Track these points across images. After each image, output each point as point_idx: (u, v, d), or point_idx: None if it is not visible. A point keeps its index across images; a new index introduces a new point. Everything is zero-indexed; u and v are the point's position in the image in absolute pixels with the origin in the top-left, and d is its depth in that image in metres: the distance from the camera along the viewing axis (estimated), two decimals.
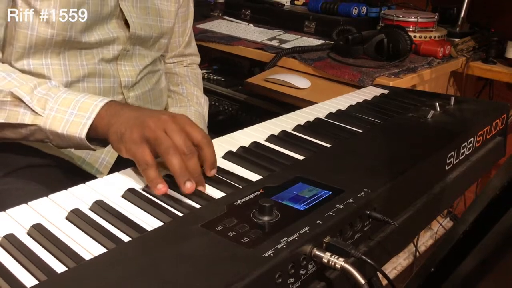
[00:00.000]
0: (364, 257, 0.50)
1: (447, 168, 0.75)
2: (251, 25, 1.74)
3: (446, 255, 0.39)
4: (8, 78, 0.71)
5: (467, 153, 0.80)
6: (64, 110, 0.67)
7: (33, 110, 0.68)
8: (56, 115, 0.67)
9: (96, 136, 0.67)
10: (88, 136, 0.66)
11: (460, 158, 0.78)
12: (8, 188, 0.77)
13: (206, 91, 1.18)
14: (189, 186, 0.58)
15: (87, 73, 0.84)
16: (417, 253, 1.67)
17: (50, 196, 0.57)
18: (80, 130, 0.66)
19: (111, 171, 0.84)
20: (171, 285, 0.42)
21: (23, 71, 0.78)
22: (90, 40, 0.82)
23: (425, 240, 1.78)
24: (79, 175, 0.81)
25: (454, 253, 0.38)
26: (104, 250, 0.49)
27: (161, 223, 0.54)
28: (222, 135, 0.78)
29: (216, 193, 0.61)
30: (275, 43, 1.53)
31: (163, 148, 0.59)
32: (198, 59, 1.20)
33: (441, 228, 1.79)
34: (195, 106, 1.07)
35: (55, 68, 0.81)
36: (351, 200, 0.55)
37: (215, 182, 0.63)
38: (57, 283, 0.42)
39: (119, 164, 0.64)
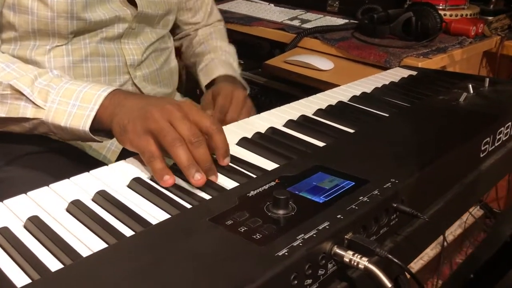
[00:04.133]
0: (390, 256, 0.45)
1: (481, 155, 0.69)
2: (272, 4, 1.68)
3: (490, 259, 0.33)
4: (7, 69, 0.67)
5: (504, 138, 0.74)
6: (67, 101, 0.64)
7: (34, 103, 0.65)
8: (58, 107, 0.64)
9: (101, 128, 0.63)
10: (92, 128, 0.63)
11: (496, 144, 0.72)
12: (11, 176, 0.74)
13: None
14: (198, 178, 0.54)
15: (90, 52, 0.80)
16: (445, 243, 1.61)
17: (51, 185, 0.54)
18: (83, 123, 0.63)
19: (120, 157, 0.81)
20: (173, 287, 0.37)
21: (24, 57, 0.74)
22: (94, 19, 0.78)
23: (453, 229, 1.71)
24: (86, 162, 0.78)
25: (500, 258, 0.33)
26: (105, 245, 0.45)
27: (167, 216, 0.50)
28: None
29: (228, 183, 0.57)
30: (296, 23, 1.48)
31: (168, 141, 0.56)
32: (222, 23, 1.16)
33: (470, 217, 1.72)
34: (220, 58, 1.03)
35: (57, 48, 0.77)
36: (377, 192, 0.50)
37: (227, 170, 0.59)
38: (49, 282, 0.39)
39: (128, 150, 0.61)
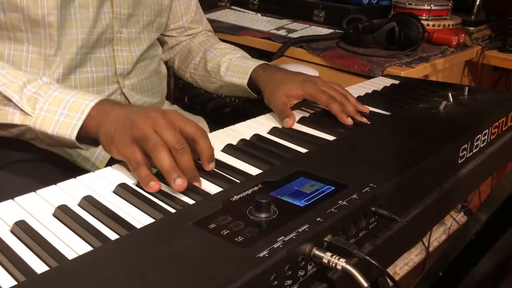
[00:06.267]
0: (367, 257, 0.46)
1: (459, 161, 0.71)
2: (259, 14, 1.70)
3: (457, 257, 0.35)
4: None
5: (481, 145, 0.76)
6: (54, 110, 0.64)
7: (22, 110, 0.65)
8: (46, 115, 0.65)
9: (87, 136, 0.64)
10: (79, 136, 0.64)
11: (474, 151, 0.74)
12: (2, 183, 0.74)
13: None
14: (179, 183, 0.55)
15: (80, 62, 0.80)
16: (430, 249, 1.63)
17: (38, 191, 0.55)
18: (70, 131, 0.63)
19: (108, 165, 0.81)
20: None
21: (16, 61, 0.75)
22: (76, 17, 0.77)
23: (438, 235, 1.73)
24: (74, 170, 0.78)
25: (465, 255, 0.34)
26: (90, 248, 0.46)
27: (152, 220, 0.51)
28: None
29: (212, 188, 0.58)
30: (282, 32, 1.50)
31: (150, 145, 0.57)
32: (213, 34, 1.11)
33: (454, 223, 1.75)
34: (236, 55, 0.97)
35: (50, 59, 0.77)
36: (355, 196, 0.52)
37: (211, 176, 0.60)
38: (35, 284, 0.40)
39: (115, 159, 0.62)
